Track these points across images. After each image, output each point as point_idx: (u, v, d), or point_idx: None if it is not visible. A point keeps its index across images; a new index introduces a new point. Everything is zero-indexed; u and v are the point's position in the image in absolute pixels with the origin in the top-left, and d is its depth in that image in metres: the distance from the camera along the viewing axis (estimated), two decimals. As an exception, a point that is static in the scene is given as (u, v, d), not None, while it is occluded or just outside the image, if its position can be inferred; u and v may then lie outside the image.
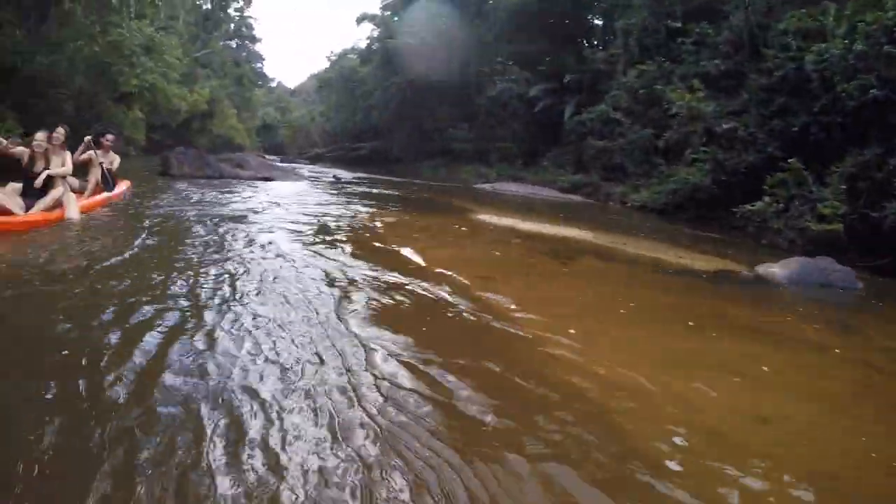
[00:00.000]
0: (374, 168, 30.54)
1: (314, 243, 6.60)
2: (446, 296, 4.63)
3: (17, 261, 4.94)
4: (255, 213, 8.89)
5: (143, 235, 6.34)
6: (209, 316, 3.68)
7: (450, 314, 4.24)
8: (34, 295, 4.02)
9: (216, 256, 5.48)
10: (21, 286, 4.16)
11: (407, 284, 4.87)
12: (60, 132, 7.39)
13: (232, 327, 3.50)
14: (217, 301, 4.02)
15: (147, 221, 7.37)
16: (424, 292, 4.70)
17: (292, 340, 3.37)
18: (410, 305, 4.35)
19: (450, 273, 5.43)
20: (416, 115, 31.35)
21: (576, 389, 3.05)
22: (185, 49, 28.83)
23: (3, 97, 14.25)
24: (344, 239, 7.19)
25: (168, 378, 2.72)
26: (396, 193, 16.34)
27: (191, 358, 2.98)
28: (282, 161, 31.40)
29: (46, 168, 7.01)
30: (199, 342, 3.22)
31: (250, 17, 45.02)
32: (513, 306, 4.50)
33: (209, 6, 38.47)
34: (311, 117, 51.63)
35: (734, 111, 14.52)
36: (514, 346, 3.64)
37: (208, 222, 7.51)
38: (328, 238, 7.10)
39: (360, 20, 38.39)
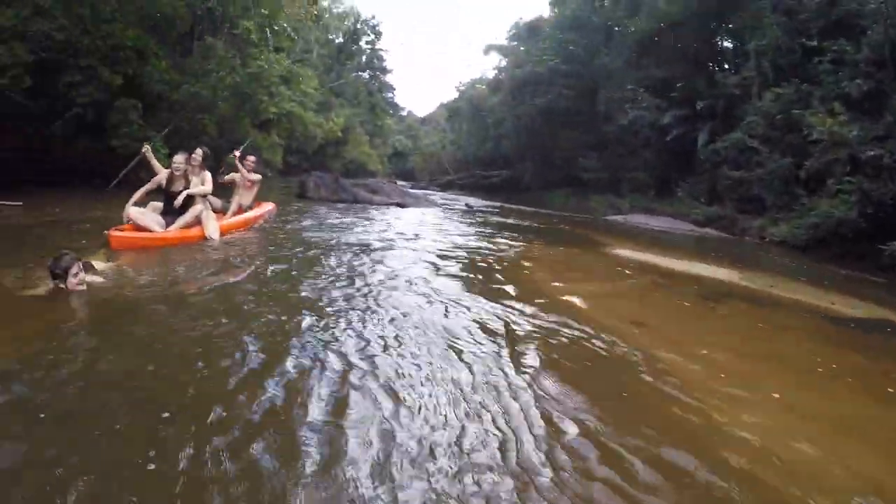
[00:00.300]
0: (503, 196, 30.61)
1: (455, 277, 6.58)
2: (602, 346, 4.40)
3: (144, 281, 5.06)
4: (394, 242, 8.92)
5: (278, 262, 6.46)
6: (340, 362, 3.43)
7: (609, 368, 4.02)
8: (150, 318, 4.01)
9: (353, 290, 5.35)
10: (139, 309, 4.22)
11: (559, 329, 4.65)
12: (199, 153, 7.78)
13: (369, 378, 3.24)
14: (352, 344, 3.78)
15: (284, 247, 7.64)
16: (578, 341, 4.46)
17: (443, 398, 3.07)
18: (569, 357, 4.11)
19: (600, 316, 5.21)
20: (544, 143, 31.08)
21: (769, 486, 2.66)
22: (321, 80, 30.37)
23: (152, 121, 15.12)
24: (484, 274, 7.13)
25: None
26: (529, 224, 16.06)
27: (319, 419, 2.71)
28: (413, 187, 32.11)
29: (186, 188, 7.33)
30: (327, 396, 2.96)
31: (381, 49, 47.14)
32: (676, 363, 4.24)
33: (341, 40, 40.53)
34: (442, 145, 52.71)
35: (878, 136, 13.02)
36: (688, 421, 3.31)
37: (346, 251, 7.62)
38: (469, 273, 7.05)
39: (487, 50, 39.21)
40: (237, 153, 9.71)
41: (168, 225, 7.19)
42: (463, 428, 2.73)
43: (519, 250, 9.46)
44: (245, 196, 9.60)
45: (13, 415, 2.54)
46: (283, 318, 4.22)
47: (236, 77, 19.14)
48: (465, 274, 6.93)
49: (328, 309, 4.56)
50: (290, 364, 3.33)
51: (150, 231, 6.86)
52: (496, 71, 40.58)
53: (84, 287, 4.48)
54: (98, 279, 4.79)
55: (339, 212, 13.49)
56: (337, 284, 5.53)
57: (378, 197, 19.69)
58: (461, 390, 3.18)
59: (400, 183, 31.99)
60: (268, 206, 10.48)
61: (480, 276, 6.91)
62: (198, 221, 7.42)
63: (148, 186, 7.43)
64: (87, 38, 13.44)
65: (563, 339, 4.40)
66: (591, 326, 4.77)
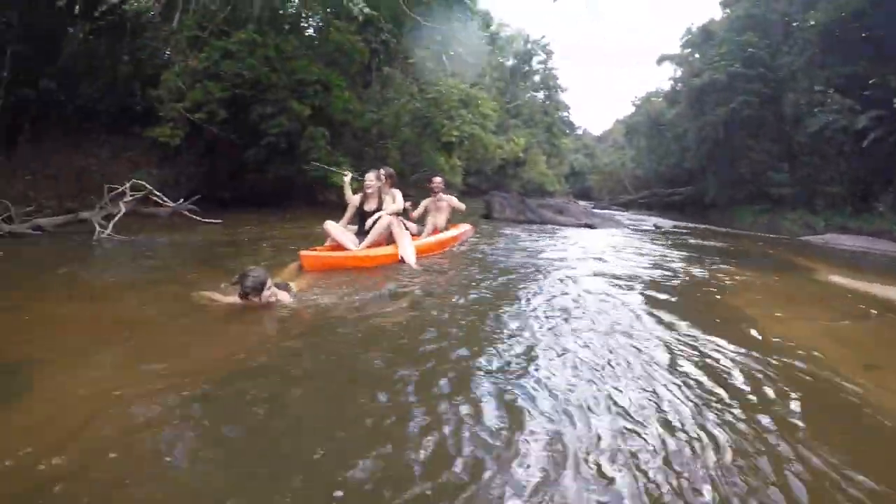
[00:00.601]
0: (688, 215, 28.13)
1: (666, 308, 5.49)
2: (835, 394, 3.43)
3: (328, 303, 4.85)
4: (593, 267, 7.94)
5: (475, 288, 5.92)
6: (533, 417, 2.80)
7: (850, 426, 3.05)
8: (325, 346, 3.79)
9: (556, 324, 4.59)
10: (319, 334, 4.08)
11: (785, 372, 3.71)
12: (384, 172, 7.55)
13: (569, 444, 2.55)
14: (549, 394, 3.10)
15: (481, 271, 7.09)
16: (808, 387, 3.50)
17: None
18: (808, 408, 3.13)
19: (826, 357, 4.15)
20: (728, 156, 27.83)
21: None
22: (496, 102, 30.20)
23: (339, 147, 15.99)
24: (692, 305, 6.19)
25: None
26: (722, 245, 14.04)
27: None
28: (593, 207, 30.73)
29: (379, 208, 7.14)
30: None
31: (553, 68, 45.96)
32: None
33: (513, 62, 40.33)
34: (621, 163, 50.39)
35: None
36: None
37: (545, 278, 6.86)
38: (677, 301, 6.08)
39: (660, 61, 36.56)
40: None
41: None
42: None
43: (721, 276, 7.97)
44: (439, 217, 9.10)
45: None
46: (471, 347, 3.85)
47: (416, 103, 19.47)
48: (675, 302, 5.99)
49: (519, 340, 4.07)
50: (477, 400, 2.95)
51: (345, 249, 6.74)
52: (671, 82, 37.84)
53: (273, 301, 4.47)
54: (287, 298, 4.67)
55: (528, 233, 12.73)
56: (538, 318, 4.77)
57: (564, 217, 18.55)
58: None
59: (580, 203, 30.68)
60: (464, 227, 9.87)
61: (691, 306, 6.04)
62: (389, 240, 7.12)
63: (349, 212, 7.37)
64: (274, 74, 14.29)
65: (792, 385, 3.46)
66: (817, 368, 3.83)
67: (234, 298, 4.40)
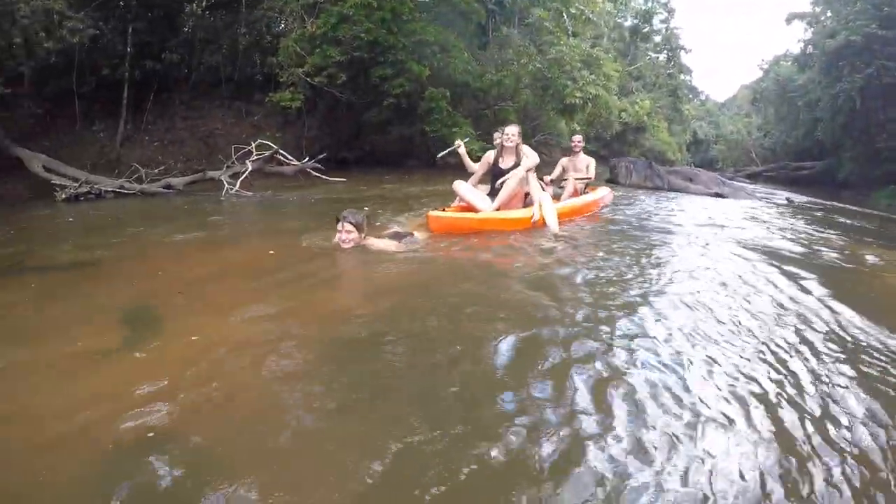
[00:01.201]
0: (817, 192, 25.07)
1: (816, 285, 4.29)
2: None
3: (449, 257, 4.64)
4: (732, 238, 6.68)
5: (614, 254, 4.99)
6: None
7: None
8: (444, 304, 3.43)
9: (703, 299, 3.69)
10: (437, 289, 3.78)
11: None
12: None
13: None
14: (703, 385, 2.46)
15: (619, 240, 6.01)
16: None
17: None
18: None
19: None
20: (865, 129, 24.51)
21: None
22: (618, 64, 28.80)
23: (459, 108, 15.61)
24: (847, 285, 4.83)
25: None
26: (868, 225, 12.06)
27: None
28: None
29: (517, 166, 6.18)
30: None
31: (676, 27, 42.91)
32: None
33: (632, 22, 37.99)
34: (748, 132, 46.84)
35: None
36: None
37: (683, 247, 5.85)
38: (826, 280, 4.65)
39: (789, 20, 32.70)
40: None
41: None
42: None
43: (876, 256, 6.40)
44: (578, 180, 8.24)
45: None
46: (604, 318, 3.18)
47: (536, 64, 18.44)
48: (825, 281, 4.58)
49: (667, 319, 3.26)
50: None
51: (476, 210, 5.98)
52: (801, 43, 34.03)
53: (375, 247, 4.51)
54: (391, 246, 4.65)
55: (657, 199, 11.92)
56: (682, 290, 3.91)
57: (694, 185, 17.25)
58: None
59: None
60: (603, 191, 8.83)
61: (852, 286, 4.79)
62: (526, 202, 6.33)
63: (481, 170, 6.51)
64: (392, 37, 13.91)
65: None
66: None
67: (337, 241, 4.44)
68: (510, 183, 5.94)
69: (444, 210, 6.04)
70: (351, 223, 4.33)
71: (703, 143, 53.17)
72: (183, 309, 3.28)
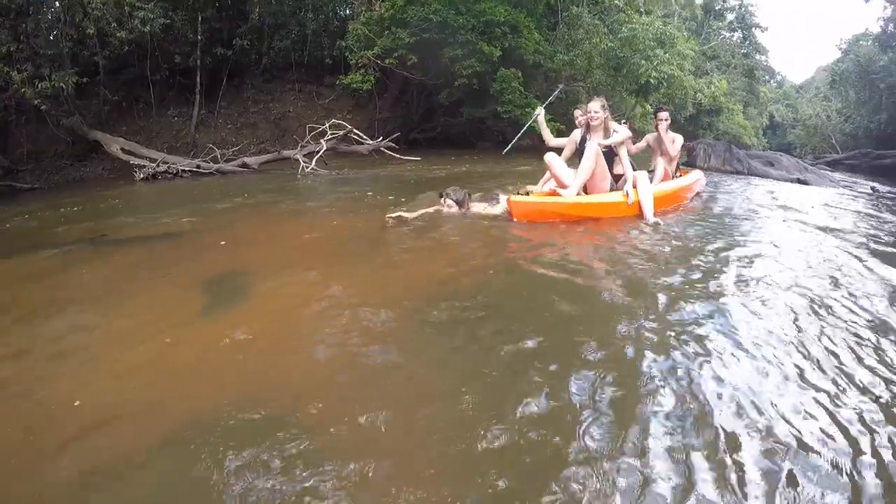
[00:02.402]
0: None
1: None
2: None
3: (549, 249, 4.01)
4: (825, 228, 5.58)
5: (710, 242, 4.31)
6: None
7: None
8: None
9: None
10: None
11: None
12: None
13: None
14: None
15: (714, 228, 5.13)
16: None
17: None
18: None
19: None
20: None
21: None
22: (692, 42, 27.78)
23: (531, 88, 15.29)
24: None
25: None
26: None
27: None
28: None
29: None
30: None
31: (751, 4, 41.07)
32: None
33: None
34: (826, 115, 44.57)
35: None
36: None
37: (789, 236, 5.00)
38: None
39: None
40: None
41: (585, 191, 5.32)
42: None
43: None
44: (669, 163, 7.08)
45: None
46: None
47: (608, 43, 17.99)
48: None
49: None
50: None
51: (565, 189, 5.12)
52: (882, 22, 31.91)
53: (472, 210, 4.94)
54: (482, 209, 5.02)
55: (741, 184, 10.99)
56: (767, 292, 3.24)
57: (775, 170, 16.36)
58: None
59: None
60: (695, 175, 7.75)
61: None
62: (610, 182, 5.41)
63: (567, 150, 5.66)
64: (461, 17, 13.70)
65: None
66: None
67: (422, 212, 4.83)
68: (585, 162, 5.13)
69: (527, 194, 5.32)
70: (452, 200, 4.80)
71: (779, 127, 50.80)
72: (272, 275, 3.33)
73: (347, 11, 15.41)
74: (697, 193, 7.45)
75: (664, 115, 7.20)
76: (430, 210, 4.86)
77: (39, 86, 8.73)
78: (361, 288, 2.98)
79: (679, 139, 7.19)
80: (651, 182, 6.10)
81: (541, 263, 3.59)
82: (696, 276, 3.48)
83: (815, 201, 9.15)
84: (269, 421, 1.74)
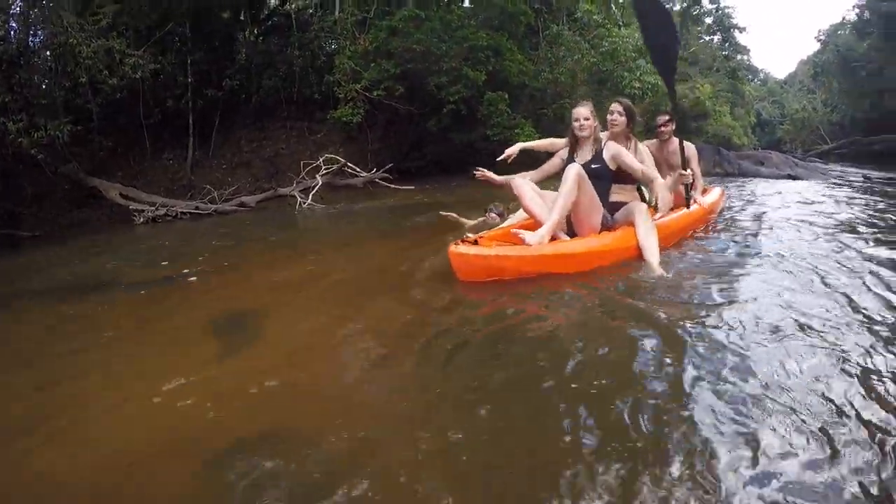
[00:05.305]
0: (886, 167, 23.16)
1: None
2: None
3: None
4: (827, 225, 5.05)
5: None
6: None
7: None
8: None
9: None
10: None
11: None
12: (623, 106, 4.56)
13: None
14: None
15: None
16: None
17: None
18: None
19: None
20: None
21: None
22: (674, 50, 28.07)
23: (518, 109, 15.52)
24: None
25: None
26: None
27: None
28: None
29: (597, 160, 4.06)
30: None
31: (727, 7, 41.36)
32: None
33: (680, 6, 36.71)
34: (813, 107, 44.78)
35: None
36: None
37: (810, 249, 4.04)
38: None
39: None
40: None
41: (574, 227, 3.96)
42: None
43: None
44: (680, 181, 4.70)
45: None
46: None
47: (590, 58, 18.27)
48: None
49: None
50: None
51: (535, 230, 3.58)
52: (856, 10, 32.32)
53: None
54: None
55: (735, 189, 10.60)
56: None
57: (766, 169, 16.61)
58: None
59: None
60: (716, 191, 6.17)
61: None
62: (604, 222, 3.93)
63: (549, 167, 4.18)
64: (443, 45, 14.03)
65: None
66: None
67: (478, 220, 5.89)
68: (562, 190, 3.59)
69: (475, 242, 3.57)
70: (495, 213, 5.74)
71: (768, 124, 51.20)
72: (280, 313, 3.36)
73: (333, 46, 15.53)
74: (719, 213, 6.11)
75: (666, 117, 5.62)
76: (480, 221, 5.87)
77: (35, 135, 8.88)
78: (373, 322, 2.93)
79: (690, 147, 5.27)
80: (659, 210, 4.51)
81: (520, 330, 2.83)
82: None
83: (808, 195, 9.17)
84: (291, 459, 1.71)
